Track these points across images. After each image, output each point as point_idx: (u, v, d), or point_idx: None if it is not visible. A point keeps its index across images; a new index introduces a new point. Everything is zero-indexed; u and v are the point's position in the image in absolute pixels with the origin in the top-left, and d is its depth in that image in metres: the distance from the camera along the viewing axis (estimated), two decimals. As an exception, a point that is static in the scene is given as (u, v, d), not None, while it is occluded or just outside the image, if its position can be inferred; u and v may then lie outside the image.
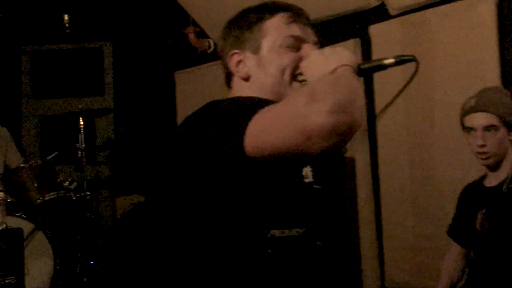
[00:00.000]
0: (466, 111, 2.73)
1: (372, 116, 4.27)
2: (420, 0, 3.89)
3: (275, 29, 1.69)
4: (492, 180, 2.79)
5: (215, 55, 5.09)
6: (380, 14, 4.14)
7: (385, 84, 4.05)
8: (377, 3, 4.11)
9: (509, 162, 2.75)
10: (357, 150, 4.40)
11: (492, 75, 3.60)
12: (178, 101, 5.64)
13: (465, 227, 2.85)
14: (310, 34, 1.71)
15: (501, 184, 2.73)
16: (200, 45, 5.27)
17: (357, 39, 4.28)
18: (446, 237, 3.53)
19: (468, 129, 2.76)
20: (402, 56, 1.67)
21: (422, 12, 3.92)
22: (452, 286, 2.96)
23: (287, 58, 1.66)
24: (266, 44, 1.69)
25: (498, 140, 2.70)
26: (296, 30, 1.68)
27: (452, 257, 3.04)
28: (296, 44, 1.67)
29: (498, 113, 2.69)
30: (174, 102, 5.68)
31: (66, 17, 5.35)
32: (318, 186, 3.60)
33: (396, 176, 4.18)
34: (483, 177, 2.90)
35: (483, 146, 2.70)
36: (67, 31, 5.40)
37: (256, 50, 1.70)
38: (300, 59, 1.67)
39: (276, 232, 3.39)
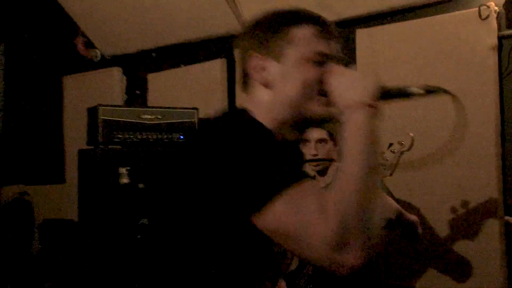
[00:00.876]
0: None
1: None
2: None
3: (304, 40, 1.53)
4: (321, 184, 3.15)
5: (102, 63, 5.35)
6: None
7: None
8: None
9: (334, 169, 3.16)
10: None
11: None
12: (66, 104, 5.67)
13: None
14: (336, 51, 1.56)
15: (327, 186, 3.12)
16: (88, 54, 5.35)
17: (224, 59, 4.59)
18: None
19: (303, 141, 3.11)
20: (432, 87, 1.57)
21: None
22: None
23: (312, 74, 1.51)
24: (292, 54, 1.52)
25: (327, 151, 3.14)
26: (325, 46, 1.54)
27: None
28: (323, 61, 1.53)
29: (327, 129, 3.12)
30: (61, 104, 5.69)
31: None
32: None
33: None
34: None
35: (315, 155, 3.12)
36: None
37: (279, 58, 1.53)
38: (324, 75, 1.52)
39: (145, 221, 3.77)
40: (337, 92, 1.44)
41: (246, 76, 1.58)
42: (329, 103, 1.51)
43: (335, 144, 3.19)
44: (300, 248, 1.26)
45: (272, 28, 1.53)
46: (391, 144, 2.85)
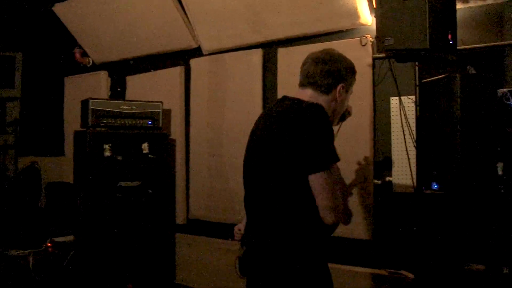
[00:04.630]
0: None
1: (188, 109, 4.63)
2: (221, 47, 4.30)
3: (353, 83, 2.08)
4: None
5: (93, 68, 5.42)
6: (197, 52, 4.54)
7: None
8: (195, 46, 4.50)
9: None
10: (178, 134, 4.65)
11: (257, 99, 4.09)
12: (66, 97, 5.68)
13: None
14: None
15: None
16: (83, 61, 5.42)
17: (183, 67, 4.66)
18: (229, 190, 4.07)
19: None
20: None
21: (221, 54, 4.35)
22: None
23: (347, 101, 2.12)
24: (350, 90, 2.07)
25: None
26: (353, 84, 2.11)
27: None
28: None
29: None
30: (62, 98, 5.70)
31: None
32: (152, 156, 4.14)
33: (200, 151, 4.52)
34: None
35: None
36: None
37: (347, 90, 2.05)
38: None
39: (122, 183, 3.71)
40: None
41: (329, 87, 2.00)
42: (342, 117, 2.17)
43: None
44: (320, 200, 1.73)
45: (353, 73, 2.06)
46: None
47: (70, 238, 4.23)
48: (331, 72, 1.98)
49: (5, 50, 6.03)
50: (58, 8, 5.06)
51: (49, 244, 4.18)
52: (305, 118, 1.81)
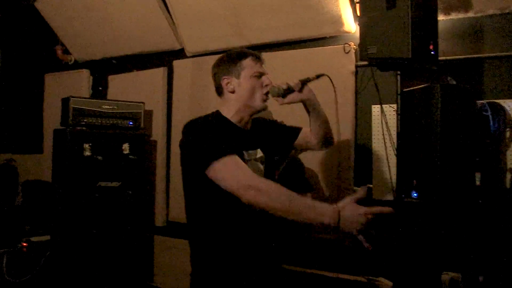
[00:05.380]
0: None
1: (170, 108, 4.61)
2: (204, 49, 4.28)
3: (248, 66, 2.15)
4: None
5: (75, 66, 5.36)
6: (181, 54, 4.51)
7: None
8: (179, 47, 4.47)
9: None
10: (159, 136, 4.62)
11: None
12: (46, 94, 5.61)
13: None
14: (264, 69, 2.21)
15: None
16: (65, 58, 5.37)
17: (165, 68, 4.62)
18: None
19: None
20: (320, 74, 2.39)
21: (204, 57, 4.31)
22: None
23: (254, 83, 2.15)
24: (243, 74, 2.14)
25: None
26: (259, 67, 2.18)
27: None
28: (259, 75, 2.17)
29: None
30: (42, 95, 5.63)
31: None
32: (133, 157, 4.11)
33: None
34: None
35: None
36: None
37: (238, 77, 2.14)
38: (262, 83, 2.18)
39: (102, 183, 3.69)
40: None
41: (219, 88, 2.20)
42: (265, 101, 2.19)
43: None
44: (225, 185, 1.84)
45: (232, 61, 2.16)
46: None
47: (46, 238, 4.16)
48: (214, 75, 2.22)
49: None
50: (40, 4, 4.98)
51: (24, 244, 4.09)
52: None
